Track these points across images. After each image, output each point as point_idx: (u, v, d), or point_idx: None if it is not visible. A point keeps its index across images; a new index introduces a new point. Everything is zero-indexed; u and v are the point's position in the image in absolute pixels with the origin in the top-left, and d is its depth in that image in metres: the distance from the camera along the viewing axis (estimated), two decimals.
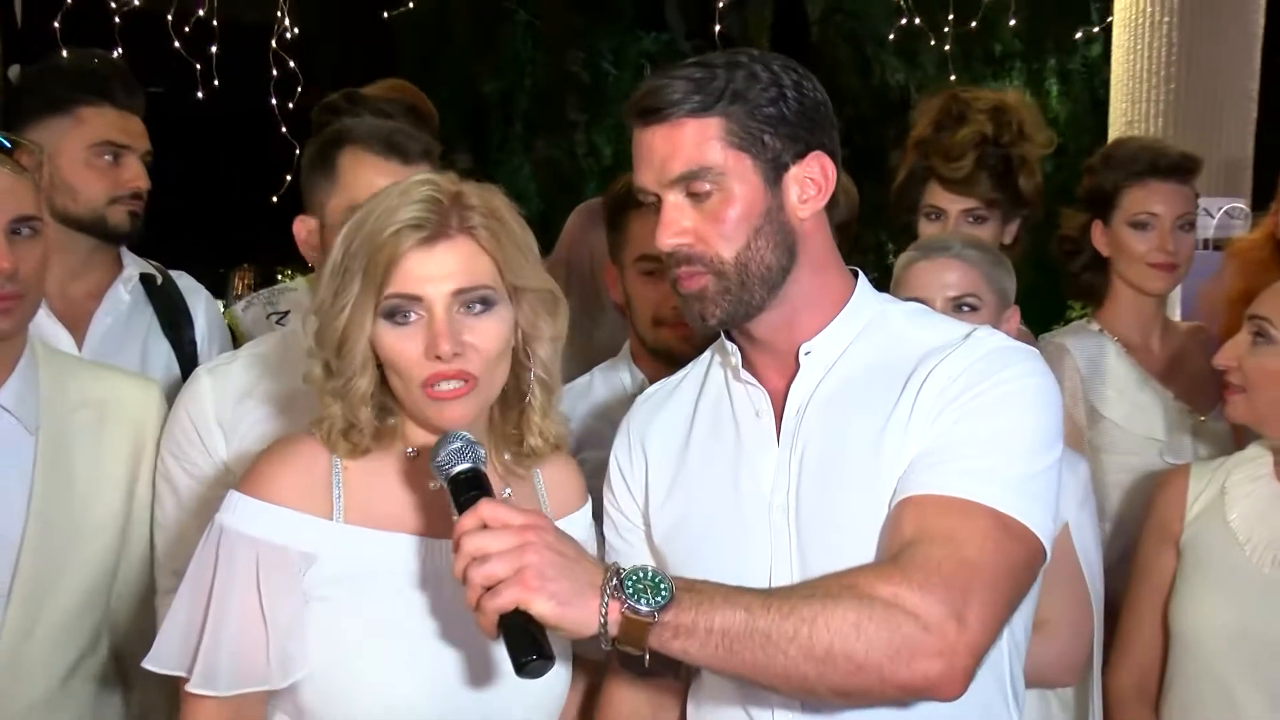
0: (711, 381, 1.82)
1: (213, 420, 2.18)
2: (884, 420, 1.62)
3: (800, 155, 1.65)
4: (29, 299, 2.02)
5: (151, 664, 1.64)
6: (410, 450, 1.72)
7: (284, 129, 5.05)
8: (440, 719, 1.64)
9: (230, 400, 2.18)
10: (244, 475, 1.70)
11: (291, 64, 4.99)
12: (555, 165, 9.79)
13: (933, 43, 6.23)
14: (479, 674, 1.66)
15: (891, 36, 6.87)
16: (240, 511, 1.64)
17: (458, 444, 1.54)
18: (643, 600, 1.43)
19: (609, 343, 3.03)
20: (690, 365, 1.91)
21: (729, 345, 1.76)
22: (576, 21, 9.75)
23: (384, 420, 1.71)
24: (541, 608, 1.40)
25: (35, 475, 2.02)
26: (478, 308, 1.64)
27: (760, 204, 1.64)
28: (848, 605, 1.45)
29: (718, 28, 5.29)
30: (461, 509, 1.48)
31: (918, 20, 6.02)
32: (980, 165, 2.82)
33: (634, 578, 1.44)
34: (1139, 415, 2.85)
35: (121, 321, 2.67)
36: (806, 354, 1.70)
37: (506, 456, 1.78)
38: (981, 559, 1.49)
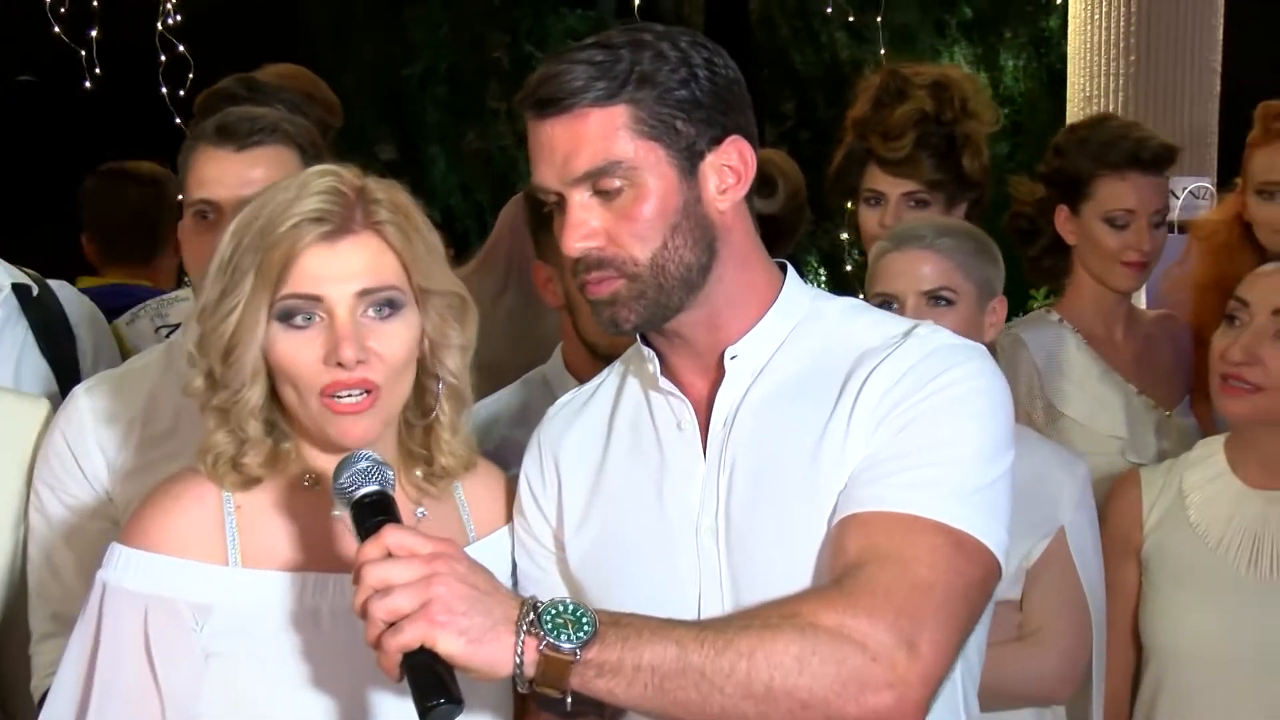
0: (628, 391, 1.77)
1: (92, 444, 2.12)
2: (820, 429, 1.59)
3: (716, 141, 1.61)
4: None
5: None
6: (307, 478, 1.66)
7: (178, 120, 4.97)
8: None
9: (111, 422, 2.13)
10: (126, 524, 1.64)
11: (181, 48, 4.92)
12: (481, 156, 9.72)
13: (879, 19, 6.26)
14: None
15: (829, 10, 6.88)
16: (123, 566, 1.58)
17: (363, 464, 1.49)
18: (563, 636, 1.39)
19: (554, 338, 3.01)
20: (604, 372, 1.86)
21: (645, 350, 1.71)
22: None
23: (277, 444, 1.64)
24: (449, 645, 1.36)
25: None
26: (385, 310, 1.59)
27: (676, 198, 1.59)
28: (789, 637, 1.42)
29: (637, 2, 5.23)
30: (365, 536, 1.44)
31: None
32: (921, 145, 2.80)
33: (552, 611, 1.40)
34: (1100, 411, 2.86)
35: None
36: (732, 358, 1.66)
37: (418, 474, 1.72)
38: (933, 580, 1.47)
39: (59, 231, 3.84)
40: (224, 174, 2.08)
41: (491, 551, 1.73)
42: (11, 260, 2.69)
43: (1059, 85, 5.12)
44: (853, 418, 1.58)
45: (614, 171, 1.57)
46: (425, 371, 1.69)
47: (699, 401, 1.68)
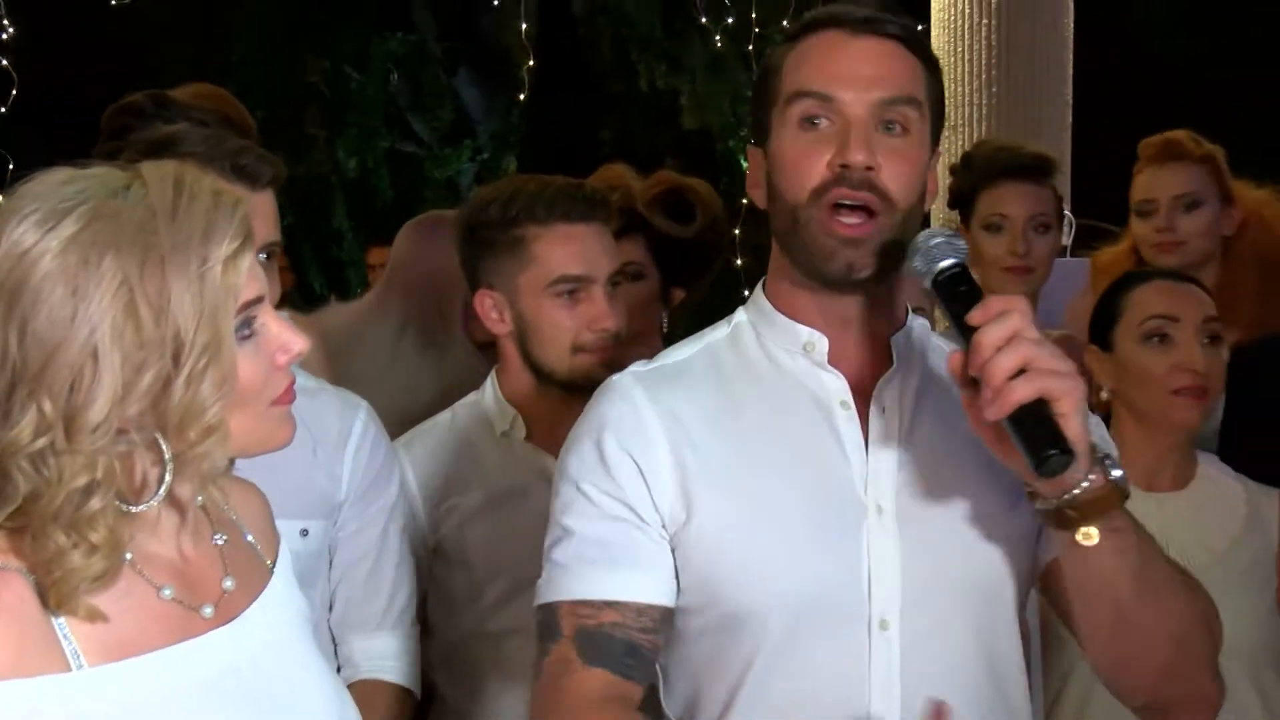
0: (750, 363, 1.73)
1: None
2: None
3: (934, 147, 1.71)
4: None
5: None
6: (126, 554, 1.36)
7: None
8: None
9: None
10: None
11: (4, 62, 4.68)
12: (297, 184, 9.47)
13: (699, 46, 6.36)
14: None
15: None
16: None
17: (940, 239, 1.56)
18: (1123, 481, 1.47)
19: (459, 371, 2.94)
20: (686, 345, 1.79)
21: (803, 329, 1.69)
22: (313, 20, 9.48)
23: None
24: (1078, 422, 1.41)
25: None
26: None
27: (924, 168, 1.67)
28: (1202, 595, 1.57)
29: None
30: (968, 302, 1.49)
31: (702, 20, 6.11)
32: None
33: (1114, 459, 1.48)
34: None
35: None
36: (899, 344, 1.70)
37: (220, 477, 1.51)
38: None
39: None
40: None
41: (285, 573, 1.59)
42: None
43: None
44: None
45: (912, 108, 1.63)
46: None
47: (857, 384, 1.68)
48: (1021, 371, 1.41)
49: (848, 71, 1.62)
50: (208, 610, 1.42)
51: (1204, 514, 2.41)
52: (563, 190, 2.35)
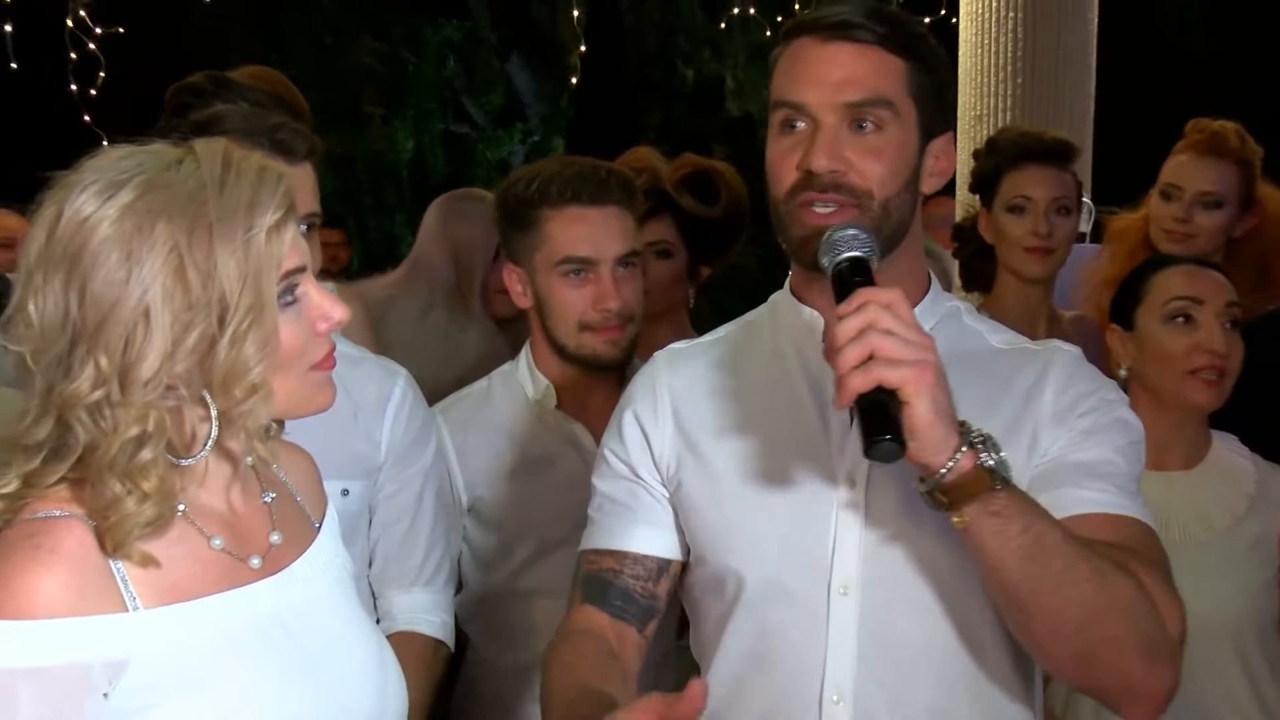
0: (761, 343, 1.79)
1: None
2: (985, 410, 1.60)
3: (940, 131, 1.71)
4: None
5: None
6: (180, 506, 1.42)
7: (86, 118, 4.76)
8: None
9: None
10: None
11: (91, 46, 4.70)
12: (351, 162, 9.51)
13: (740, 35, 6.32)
14: (338, 702, 1.49)
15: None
16: (1, 643, 1.27)
17: (852, 230, 1.55)
18: (999, 466, 1.42)
19: (479, 348, 2.95)
20: (725, 327, 1.87)
21: (806, 310, 1.73)
22: (367, 6, 9.51)
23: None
24: (922, 406, 1.37)
25: None
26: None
27: (913, 158, 1.67)
28: (1127, 581, 1.47)
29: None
30: (855, 289, 1.46)
31: (736, 10, 6.05)
32: None
33: (993, 442, 1.43)
34: None
35: None
36: None
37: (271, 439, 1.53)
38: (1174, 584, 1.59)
39: None
40: None
41: (331, 532, 1.63)
42: None
43: None
44: (1030, 411, 1.66)
45: (883, 107, 1.63)
46: None
47: None
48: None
49: (817, 77, 1.64)
50: (255, 561, 1.47)
51: (1209, 492, 2.37)
52: (578, 173, 2.33)
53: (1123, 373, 2.42)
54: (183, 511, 1.42)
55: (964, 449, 1.40)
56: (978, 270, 3.10)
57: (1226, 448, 2.44)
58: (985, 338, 1.76)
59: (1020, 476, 1.59)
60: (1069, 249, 3.04)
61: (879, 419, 1.38)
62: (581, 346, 2.34)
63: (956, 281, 3.25)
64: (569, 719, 1.57)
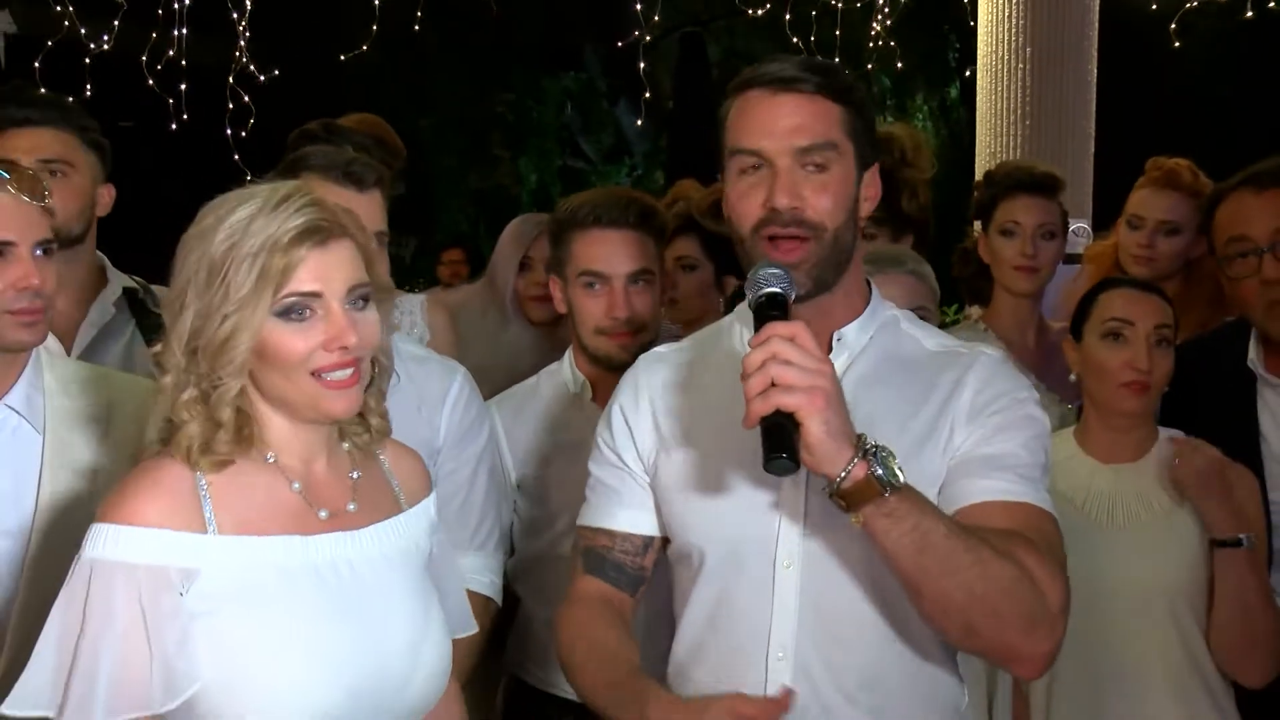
0: (722, 351, 1.82)
1: None
2: (913, 410, 1.65)
3: (870, 162, 1.73)
4: (49, 313, 2.00)
5: (11, 708, 1.47)
6: (270, 456, 1.60)
7: (236, 157, 4.98)
8: (343, 699, 1.54)
9: None
10: (104, 506, 1.54)
11: (246, 98, 4.94)
12: (484, 194, 9.76)
13: None
14: (372, 649, 1.58)
15: None
16: (110, 542, 1.48)
17: (777, 269, 1.57)
18: (886, 474, 1.44)
19: (514, 344, 3.09)
20: (695, 336, 1.91)
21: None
22: (497, 62, 9.75)
23: (240, 429, 1.58)
24: (814, 426, 1.41)
25: (44, 471, 1.99)
26: (360, 303, 1.58)
27: (853, 189, 1.70)
28: (1007, 565, 1.51)
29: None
30: (771, 320, 1.49)
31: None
32: None
33: (884, 453, 1.45)
34: None
35: (106, 332, 2.60)
36: (838, 340, 1.73)
37: (356, 441, 1.68)
38: (1062, 560, 1.60)
39: (153, 249, 3.85)
40: None
41: (417, 519, 1.71)
42: (121, 269, 2.72)
43: (958, 142, 5.28)
44: (949, 409, 1.68)
45: (828, 150, 1.66)
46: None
47: None
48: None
49: (770, 126, 1.66)
50: (323, 513, 1.59)
51: (1153, 480, 2.39)
52: (604, 201, 2.42)
53: (1072, 378, 2.46)
54: (273, 460, 1.59)
55: (856, 460, 1.43)
56: (978, 287, 3.14)
57: (1170, 442, 2.47)
58: (920, 342, 1.77)
59: (939, 468, 1.64)
60: (1054, 268, 3.04)
61: (776, 438, 1.41)
62: (597, 348, 2.43)
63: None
64: (607, 678, 1.68)
